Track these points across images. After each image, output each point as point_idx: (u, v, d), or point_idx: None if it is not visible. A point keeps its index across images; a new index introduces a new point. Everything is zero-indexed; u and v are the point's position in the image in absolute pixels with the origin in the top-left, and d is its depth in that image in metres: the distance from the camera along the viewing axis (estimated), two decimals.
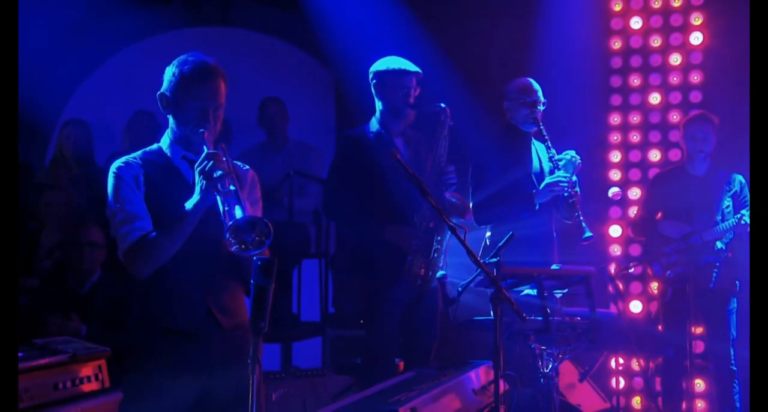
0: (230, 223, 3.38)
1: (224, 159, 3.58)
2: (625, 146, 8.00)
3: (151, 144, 7.90)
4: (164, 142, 3.84)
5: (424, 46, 7.64)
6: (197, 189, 3.54)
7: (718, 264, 6.74)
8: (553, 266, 5.58)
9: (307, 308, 8.02)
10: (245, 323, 3.78)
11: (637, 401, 7.74)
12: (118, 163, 3.73)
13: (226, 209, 3.46)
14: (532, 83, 6.17)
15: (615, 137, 8.01)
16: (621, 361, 7.51)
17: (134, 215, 3.64)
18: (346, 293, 7.54)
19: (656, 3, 7.94)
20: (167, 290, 3.67)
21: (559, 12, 8.01)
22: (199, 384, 3.66)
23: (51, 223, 7.55)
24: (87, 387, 4.70)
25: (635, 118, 7.98)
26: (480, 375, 4.85)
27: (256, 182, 3.97)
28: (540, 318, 5.26)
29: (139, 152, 3.82)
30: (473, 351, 5.60)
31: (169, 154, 3.80)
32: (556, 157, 6.01)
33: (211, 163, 3.50)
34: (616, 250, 7.96)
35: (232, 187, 3.50)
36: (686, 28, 7.86)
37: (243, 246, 3.39)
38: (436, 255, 5.78)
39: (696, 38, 7.81)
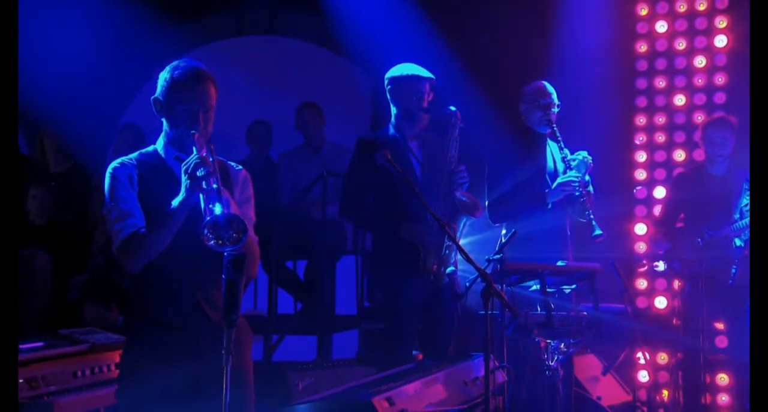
0: (208, 218, 3.39)
1: (211, 159, 3.59)
2: (651, 147, 7.86)
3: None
4: (159, 144, 3.86)
5: (454, 53, 7.62)
6: (182, 188, 3.56)
7: (736, 261, 6.59)
8: (559, 263, 5.51)
9: (345, 302, 8.04)
10: None
11: (663, 395, 7.58)
12: (114, 163, 3.76)
13: (210, 206, 3.46)
14: (546, 86, 6.11)
15: (641, 138, 7.88)
16: (638, 355, 7.34)
17: (127, 213, 3.66)
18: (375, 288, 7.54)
19: (681, 7, 7.78)
20: (158, 284, 3.68)
21: (586, 16, 7.91)
22: (189, 375, 3.65)
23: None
24: (105, 376, 4.77)
25: (660, 120, 7.84)
26: (477, 367, 4.79)
27: (248, 182, 3.97)
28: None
29: (136, 154, 3.84)
30: (480, 344, 5.53)
31: (163, 155, 3.82)
32: (569, 157, 5.95)
33: (194, 163, 3.52)
34: (641, 247, 7.83)
35: (214, 186, 3.50)
36: (711, 31, 7.69)
37: (220, 242, 3.39)
38: (447, 251, 5.75)
39: (720, 41, 7.65)
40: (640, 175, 7.86)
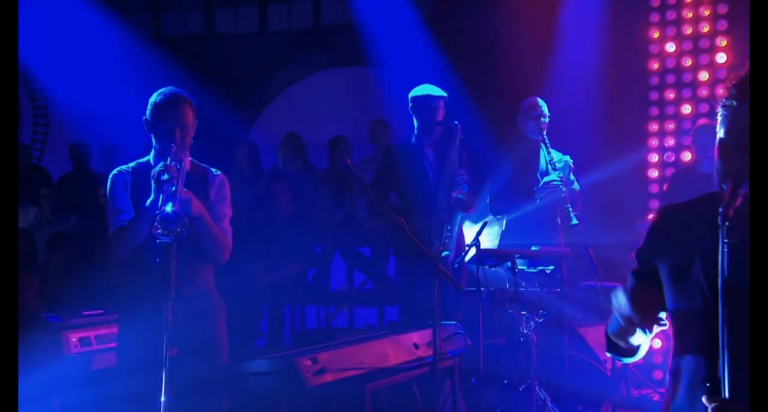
0: (157, 212, 3.50)
1: (177, 168, 3.70)
2: (662, 149, 7.63)
3: (298, 161, 8.13)
4: (151, 155, 3.97)
5: (480, 77, 7.61)
6: (152, 190, 3.70)
7: None
8: (533, 248, 5.46)
9: None
10: (205, 290, 3.93)
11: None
12: (114, 171, 3.92)
13: (164, 204, 3.54)
14: (538, 101, 6.08)
15: (653, 142, 7.66)
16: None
17: (119, 210, 3.82)
18: None
19: (688, 30, 7.50)
20: (142, 267, 3.78)
21: (609, 41, 7.78)
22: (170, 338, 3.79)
23: None
24: None
25: (670, 126, 7.60)
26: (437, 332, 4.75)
27: (225, 184, 4.02)
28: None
29: (133, 163, 3.96)
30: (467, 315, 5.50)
31: (152, 163, 3.90)
32: (554, 160, 5.88)
33: (158, 170, 3.64)
34: None
35: (173, 188, 3.60)
36: (713, 50, 7.40)
37: (165, 232, 3.46)
38: (447, 240, 5.77)
39: (721, 58, 7.34)
40: (653, 173, 7.63)
